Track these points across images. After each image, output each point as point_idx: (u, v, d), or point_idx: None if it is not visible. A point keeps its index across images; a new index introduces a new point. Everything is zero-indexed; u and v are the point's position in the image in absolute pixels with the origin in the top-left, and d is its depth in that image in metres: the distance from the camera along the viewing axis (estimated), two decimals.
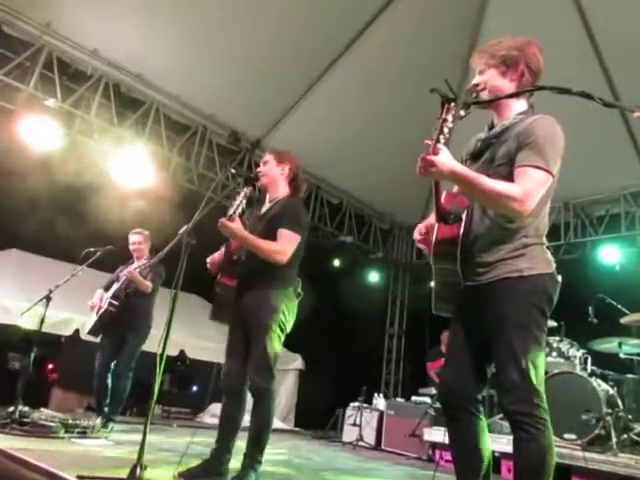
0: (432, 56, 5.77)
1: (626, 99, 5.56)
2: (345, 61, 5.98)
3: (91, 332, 4.72)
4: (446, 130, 1.65)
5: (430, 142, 1.62)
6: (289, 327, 2.88)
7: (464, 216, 1.94)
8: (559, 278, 1.89)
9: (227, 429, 2.79)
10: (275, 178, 3.01)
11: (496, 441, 4.61)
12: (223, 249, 2.98)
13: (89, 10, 5.16)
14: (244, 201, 2.72)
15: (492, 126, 2.05)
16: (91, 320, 4.75)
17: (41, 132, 5.33)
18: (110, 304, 4.57)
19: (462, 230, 1.88)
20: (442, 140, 1.65)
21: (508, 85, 1.97)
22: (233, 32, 5.50)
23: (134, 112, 6.10)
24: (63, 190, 5.60)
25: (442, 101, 1.68)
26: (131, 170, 5.87)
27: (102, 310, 4.61)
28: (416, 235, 2.10)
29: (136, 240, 4.90)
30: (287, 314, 2.83)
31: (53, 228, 5.99)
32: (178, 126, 6.54)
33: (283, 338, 2.84)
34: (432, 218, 2.05)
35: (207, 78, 6.01)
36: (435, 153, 1.62)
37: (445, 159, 1.65)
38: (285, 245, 2.78)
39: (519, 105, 2.00)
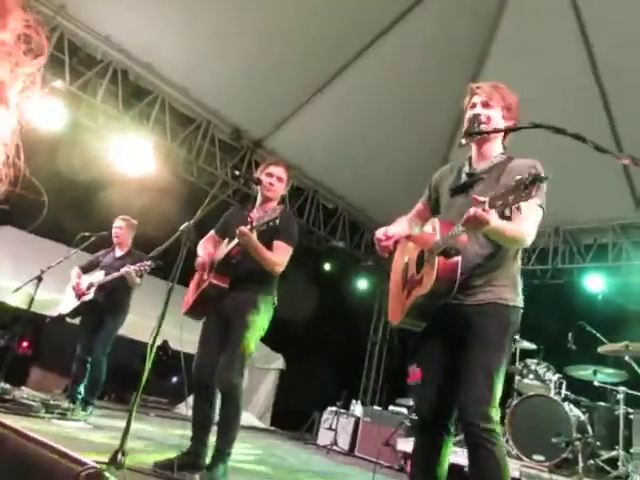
0: (436, 70, 5.88)
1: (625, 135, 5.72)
2: (352, 70, 6.06)
3: (69, 315, 4.72)
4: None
5: (481, 200, 1.69)
6: (264, 332, 3.02)
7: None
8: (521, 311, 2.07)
9: (201, 423, 2.87)
10: (279, 195, 3.16)
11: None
12: (209, 250, 3.08)
13: None
14: (273, 222, 2.79)
15: (470, 162, 2.17)
16: (70, 302, 4.74)
17: (46, 112, 5.35)
18: (96, 294, 4.58)
19: (460, 260, 1.92)
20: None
21: (502, 126, 2.13)
22: (245, 30, 5.56)
23: (140, 101, 6.13)
24: (63, 172, 5.62)
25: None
26: (132, 158, 5.91)
27: (87, 298, 4.62)
28: (379, 234, 2.19)
29: (117, 225, 4.90)
30: (267, 318, 3.00)
31: (49, 209, 6.00)
32: (182, 118, 6.57)
33: (258, 340, 2.97)
34: (400, 229, 2.21)
35: (216, 73, 6.06)
36: (488, 212, 1.69)
37: (495, 220, 1.73)
38: (283, 257, 2.96)
39: (500, 146, 2.17)
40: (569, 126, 1.66)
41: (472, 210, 1.69)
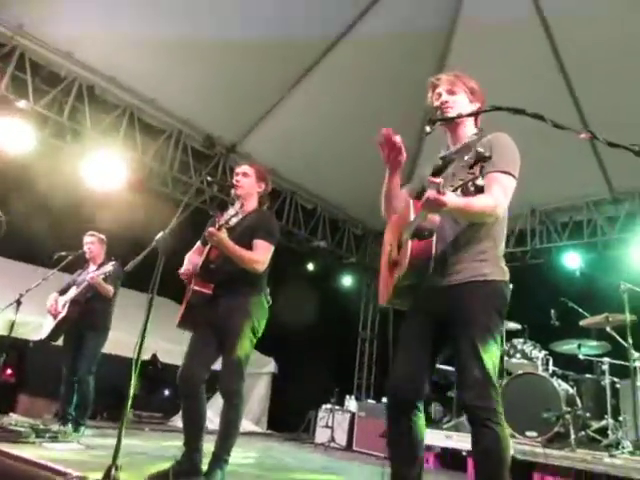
0: (402, 66, 5.94)
1: (590, 112, 5.84)
2: (320, 69, 6.09)
3: (49, 337, 4.64)
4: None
5: (437, 181, 1.67)
6: (261, 332, 3.01)
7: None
8: (511, 286, 2.06)
9: (192, 430, 2.86)
10: (251, 192, 3.14)
11: (463, 440, 4.77)
12: (194, 259, 3.09)
13: (63, 12, 5.13)
14: (239, 214, 2.80)
15: (447, 148, 2.22)
16: (48, 324, 4.67)
17: (13, 134, 5.27)
18: (70, 310, 4.52)
19: (434, 242, 1.92)
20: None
21: (471, 110, 2.16)
22: (208, 37, 5.54)
23: (108, 115, 6.08)
24: (34, 193, 5.54)
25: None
26: (104, 174, 5.85)
27: (61, 315, 4.56)
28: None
29: (88, 241, 4.86)
30: (259, 319, 2.97)
31: (22, 231, 5.91)
32: (152, 130, 6.52)
33: (254, 342, 2.96)
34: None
35: (182, 82, 6.03)
36: (444, 193, 1.68)
37: (452, 199, 1.71)
38: (263, 255, 2.93)
39: (472, 128, 2.20)
40: (538, 110, 1.69)
41: (428, 192, 1.70)
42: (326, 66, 6.05)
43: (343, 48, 5.89)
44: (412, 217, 1.93)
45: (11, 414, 4.61)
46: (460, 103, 2.15)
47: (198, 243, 3.26)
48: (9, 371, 6.60)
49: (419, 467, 2.03)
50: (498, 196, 1.89)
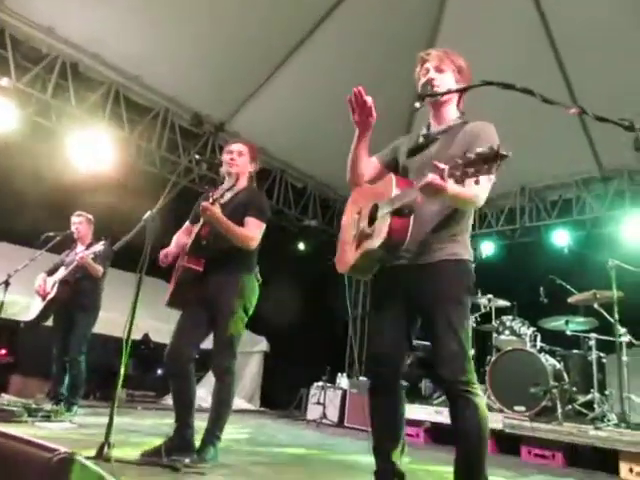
0: (393, 39, 5.86)
1: (580, 88, 5.82)
2: (308, 45, 5.99)
3: (38, 318, 4.63)
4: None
5: (441, 166, 1.67)
6: (252, 310, 3.00)
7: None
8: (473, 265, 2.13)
9: (182, 408, 2.86)
10: (244, 171, 3.11)
11: None
12: (181, 240, 3.06)
13: None
14: (232, 189, 2.77)
15: (429, 126, 2.21)
16: (36, 305, 4.66)
17: None
18: (59, 290, 4.51)
19: (412, 219, 1.94)
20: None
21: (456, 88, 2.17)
22: (196, 13, 5.42)
23: (93, 93, 5.96)
24: (19, 174, 5.45)
25: None
26: (90, 153, 5.76)
27: (50, 296, 4.55)
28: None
29: (77, 221, 4.84)
30: (251, 298, 2.97)
31: (9, 212, 5.83)
32: (139, 108, 6.42)
33: (246, 320, 2.96)
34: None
35: (169, 59, 5.92)
36: (446, 180, 1.68)
37: (452, 187, 1.73)
38: (255, 232, 2.92)
39: (456, 110, 2.21)
40: (528, 85, 1.67)
41: (430, 177, 1.70)
42: (315, 42, 5.95)
43: (332, 23, 5.79)
44: (394, 192, 1.94)
45: (3, 394, 4.60)
46: (446, 82, 2.14)
47: (187, 223, 3.23)
48: (3, 351, 6.60)
49: (402, 442, 2.10)
50: (484, 188, 1.92)
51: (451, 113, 2.19)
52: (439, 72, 2.15)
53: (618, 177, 6.85)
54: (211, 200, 2.74)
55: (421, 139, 2.19)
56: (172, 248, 3.07)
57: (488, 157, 1.56)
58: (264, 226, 2.98)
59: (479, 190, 1.89)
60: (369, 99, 2.04)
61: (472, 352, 1.97)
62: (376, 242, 1.94)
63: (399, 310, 2.08)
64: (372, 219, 2.06)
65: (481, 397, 1.93)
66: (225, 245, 2.86)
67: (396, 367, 2.09)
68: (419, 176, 1.87)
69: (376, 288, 2.21)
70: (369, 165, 2.26)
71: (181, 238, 3.15)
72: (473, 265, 2.09)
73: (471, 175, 1.61)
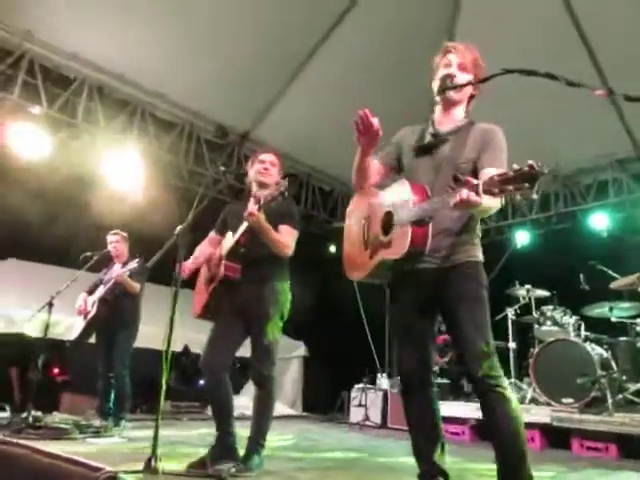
0: (411, 33, 5.79)
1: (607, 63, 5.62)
2: (326, 47, 6.00)
3: (81, 337, 4.77)
4: None
5: (476, 182, 1.69)
6: (286, 316, 3.03)
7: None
8: None
9: (221, 414, 2.90)
10: (275, 181, 3.11)
11: None
12: (205, 251, 3.09)
13: (68, 13, 5.15)
14: (278, 195, 2.77)
15: (433, 124, 2.19)
16: (79, 324, 4.80)
17: (29, 140, 5.36)
18: (99, 308, 4.65)
19: (430, 229, 1.95)
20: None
21: (471, 91, 2.19)
22: (213, 27, 5.52)
23: (120, 113, 6.13)
24: (56, 197, 5.64)
25: None
26: (123, 171, 5.92)
27: (91, 314, 4.69)
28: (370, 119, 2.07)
29: (113, 240, 4.98)
30: (286, 304, 3.01)
31: (48, 235, 6.03)
32: (165, 124, 6.56)
33: (281, 327, 2.99)
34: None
35: (190, 74, 6.02)
36: (481, 196, 1.69)
37: (484, 200, 1.74)
38: (290, 239, 2.97)
39: (463, 110, 2.21)
40: (552, 64, 1.64)
41: (465, 194, 1.69)
42: (332, 44, 5.96)
43: (348, 23, 5.78)
44: (410, 200, 1.95)
45: (55, 413, 4.76)
46: (464, 82, 2.12)
47: (212, 233, 3.24)
48: (56, 370, 6.80)
49: (441, 441, 2.10)
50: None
51: (459, 113, 2.19)
52: (462, 70, 2.13)
53: None
54: (257, 206, 2.74)
55: (429, 137, 2.16)
56: (190, 263, 3.07)
57: (529, 176, 1.53)
58: (297, 233, 3.02)
59: (496, 200, 1.87)
60: (375, 121, 2.01)
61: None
62: (398, 252, 1.96)
63: (423, 312, 2.10)
64: (386, 227, 2.05)
65: (511, 392, 1.95)
66: (263, 252, 2.89)
67: (425, 368, 2.11)
68: (435, 177, 1.93)
69: (398, 291, 2.19)
70: (373, 169, 2.25)
71: (206, 249, 3.18)
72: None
73: (510, 192, 1.59)
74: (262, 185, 3.06)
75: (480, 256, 2.10)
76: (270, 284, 2.94)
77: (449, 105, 2.17)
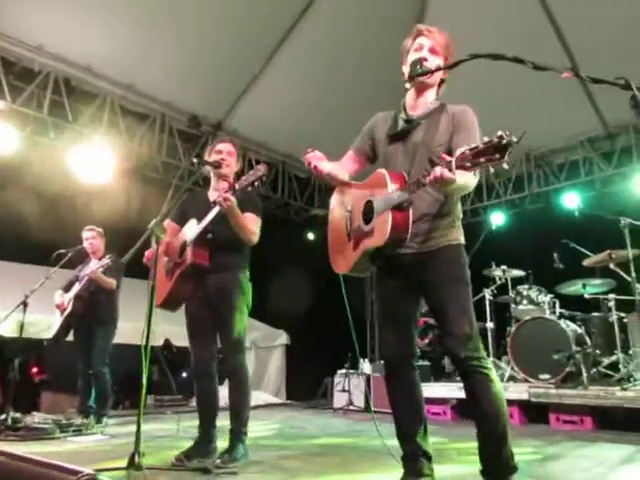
0: (385, 16, 5.76)
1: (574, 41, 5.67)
2: (297, 33, 5.93)
3: (58, 334, 4.70)
4: None
5: (448, 159, 1.69)
6: (250, 304, 3.02)
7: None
8: None
9: (207, 409, 2.93)
10: (234, 170, 3.15)
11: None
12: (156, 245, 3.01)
13: (29, 5, 4.99)
14: (257, 182, 2.74)
15: (404, 108, 2.20)
16: (57, 322, 4.73)
17: None
18: (75, 305, 4.58)
19: (411, 213, 1.96)
20: None
21: (441, 75, 2.19)
22: (181, 15, 5.39)
23: (89, 106, 5.98)
24: (25, 194, 5.50)
25: None
26: (93, 166, 5.80)
27: (67, 312, 4.62)
28: (309, 157, 2.26)
29: (89, 236, 4.90)
30: (249, 293, 3.00)
31: (19, 233, 5.89)
32: (136, 116, 6.43)
33: (247, 315, 2.99)
34: (334, 168, 2.29)
35: (160, 64, 5.90)
36: (454, 172, 1.69)
37: (459, 176, 1.74)
38: (256, 227, 2.96)
39: (434, 93, 2.22)
40: (521, 46, 1.65)
41: (438, 170, 1.70)
42: (303, 30, 5.88)
43: (316, 10, 5.70)
44: (389, 188, 1.95)
45: (34, 413, 4.69)
46: (435, 66, 2.11)
47: (167, 221, 3.09)
48: (35, 369, 6.69)
49: (424, 422, 2.14)
50: (475, 174, 1.93)
51: (430, 97, 2.19)
52: (433, 54, 2.13)
53: (624, 133, 6.73)
54: (232, 191, 2.70)
55: (401, 123, 2.16)
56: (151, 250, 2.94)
57: (499, 146, 1.55)
58: (260, 221, 3.01)
59: (472, 176, 1.90)
60: (310, 158, 2.25)
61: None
62: (380, 239, 1.95)
63: (406, 297, 2.12)
64: (367, 216, 2.05)
65: (494, 372, 1.98)
66: (229, 239, 2.87)
67: (409, 352, 2.14)
68: (410, 163, 1.92)
69: (382, 277, 2.22)
70: (348, 163, 2.28)
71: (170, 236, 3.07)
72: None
73: (482, 164, 1.61)
74: (220, 176, 3.05)
75: (461, 239, 2.11)
76: (234, 273, 2.93)
77: (420, 89, 2.16)
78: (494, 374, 1.97)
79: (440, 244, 2.05)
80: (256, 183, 2.69)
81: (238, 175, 3.11)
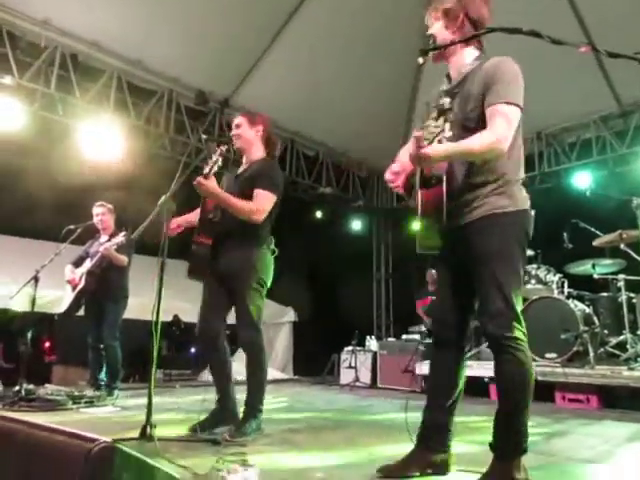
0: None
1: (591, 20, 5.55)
2: (306, 8, 5.84)
3: (70, 310, 4.75)
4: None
5: (416, 134, 1.67)
6: (269, 282, 2.97)
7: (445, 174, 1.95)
8: (533, 213, 2.03)
9: (220, 379, 2.94)
10: (250, 140, 3.03)
11: (484, 367, 4.89)
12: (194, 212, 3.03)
13: None
14: (220, 160, 2.75)
15: (449, 77, 2.13)
16: (68, 297, 4.78)
17: (2, 111, 5.20)
18: (87, 281, 4.63)
19: (445, 187, 1.90)
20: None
21: (451, 37, 2.04)
22: None
23: (96, 82, 5.94)
24: (34, 170, 5.51)
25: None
26: (100, 142, 5.78)
27: (79, 287, 4.67)
28: (387, 176, 2.15)
29: (99, 212, 4.91)
30: (265, 270, 2.93)
31: (28, 208, 5.93)
32: (143, 92, 6.38)
33: (265, 292, 2.95)
34: (404, 155, 2.10)
35: (167, 40, 5.84)
36: (423, 146, 1.67)
37: (436, 149, 1.71)
38: (261, 204, 2.83)
39: (471, 53, 2.08)
40: (538, 23, 1.61)
41: (412, 149, 1.71)
42: (311, 5, 5.79)
43: None
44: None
45: (47, 385, 4.78)
46: (437, 35, 2.07)
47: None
48: (47, 344, 6.80)
49: (456, 399, 2.11)
50: (500, 129, 1.84)
51: (465, 58, 2.07)
52: (430, 25, 2.11)
53: (638, 111, 6.60)
54: (203, 175, 2.68)
55: (442, 95, 2.04)
56: (180, 218, 3.03)
57: (436, 114, 1.55)
58: (274, 198, 2.87)
59: (490, 134, 1.82)
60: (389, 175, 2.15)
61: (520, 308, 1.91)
62: (418, 219, 1.96)
63: (454, 277, 2.08)
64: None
65: (526, 353, 1.88)
66: (233, 219, 2.81)
67: (455, 328, 2.08)
68: (454, 135, 1.82)
69: (441, 250, 2.12)
70: None
71: (188, 217, 3.11)
72: (530, 213, 2.00)
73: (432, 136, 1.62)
74: (239, 151, 3.04)
75: (508, 205, 1.92)
76: (244, 250, 2.85)
77: (448, 56, 2.09)
78: (526, 357, 1.87)
79: (484, 213, 1.93)
80: (216, 167, 2.68)
81: (267, 142, 3.07)
